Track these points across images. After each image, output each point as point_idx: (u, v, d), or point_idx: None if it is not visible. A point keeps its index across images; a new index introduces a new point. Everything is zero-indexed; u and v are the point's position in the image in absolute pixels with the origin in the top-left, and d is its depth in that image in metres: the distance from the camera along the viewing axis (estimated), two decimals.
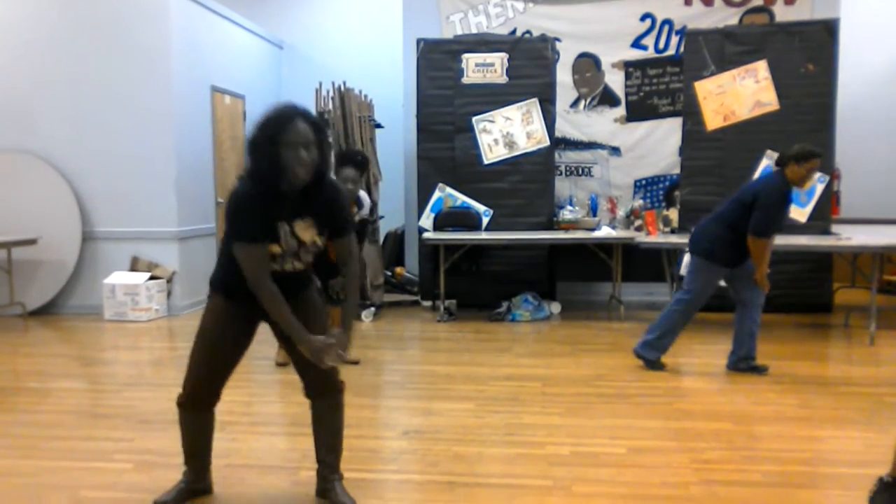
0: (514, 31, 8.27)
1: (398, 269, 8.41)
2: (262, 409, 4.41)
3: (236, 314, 2.93)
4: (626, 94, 8.29)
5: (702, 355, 5.70)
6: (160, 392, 4.84)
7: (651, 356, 5.25)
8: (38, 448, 3.82)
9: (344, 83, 7.71)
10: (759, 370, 5.12)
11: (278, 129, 2.65)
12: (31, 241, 7.33)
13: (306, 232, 2.85)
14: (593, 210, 7.99)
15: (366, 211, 5.68)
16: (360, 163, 5.51)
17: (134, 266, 7.57)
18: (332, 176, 3.01)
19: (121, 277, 7.36)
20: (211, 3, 8.13)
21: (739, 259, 5.01)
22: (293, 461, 3.54)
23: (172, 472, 3.27)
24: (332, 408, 3.09)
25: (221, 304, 2.94)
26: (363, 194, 5.68)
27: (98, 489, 3.29)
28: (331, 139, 2.95)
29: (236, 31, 8.76)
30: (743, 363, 5.17)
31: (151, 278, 7.37)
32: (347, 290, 2.97)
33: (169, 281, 7.53)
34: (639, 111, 8.28)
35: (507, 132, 7.66)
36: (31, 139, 7.60)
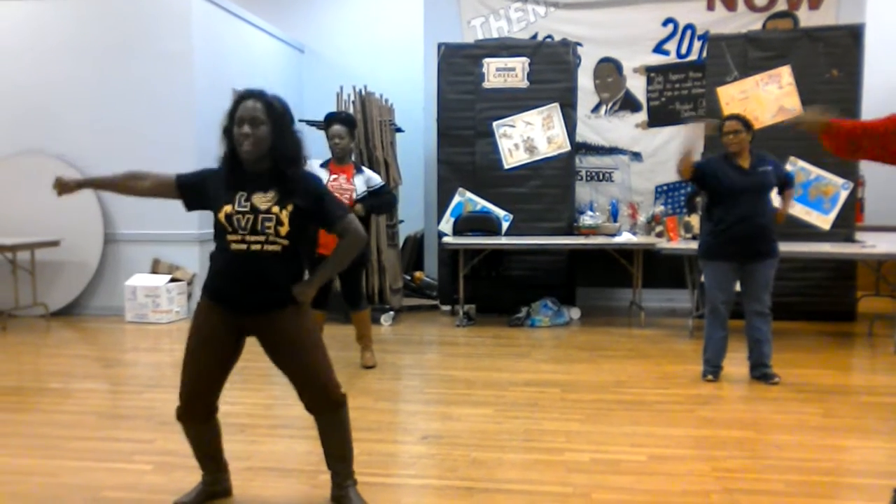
0: (535, 36, 8.26)
1: (417, 274, 8.41)
2: (282, 412, 4.42)
3: (217, 318, 2.93)
4: (648, 100, 8.25)
5: (723, 363, 5.65)
6: None
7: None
8: (60, 448, 3.85)
9: (365, 87, 7.72)
10: (768, 378, 5.06)
11: (232, 107, 2.91)
12: (54, 243, 7.40)
13: (264, 202, 2.87)
14: (614, 215, 7.96)
15: (372, 182, 5.47)
16: (346, 119, 5.54)
17: (155, 268, 7.62)
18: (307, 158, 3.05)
19: (142, 279, 7.41)
20: (233, 7, 8.18)
21: (708, 248, 5.06)
22: (312, 464, 3.54)
23: (192, 473, 3.28)
24: (333, 423, 3.04)
25: (203, 305, 2.99)
26: (368, 171, 5.59)
27: (119, 490, 3.31)
28: (293, 117, 3.00)
29: (258, 34, 8.80)
30: (755, 371, 5.14)
31: (172, 280, 7.42)
32: (335, 251, 2.97)
33: (189, 283, 7.57)
34: (660, 116, 8.24)
35: (527, 137, 7.64)
36: (54, 141, 7.67)
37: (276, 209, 2.85)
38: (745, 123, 5.00)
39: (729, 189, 4.92)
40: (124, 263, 7.68)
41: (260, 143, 2.85)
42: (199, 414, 3.03)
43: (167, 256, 7.63)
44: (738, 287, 5.09)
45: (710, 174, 5.02)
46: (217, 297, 2.95)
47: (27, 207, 7.61)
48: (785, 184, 5.16)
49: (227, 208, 2.86)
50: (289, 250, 2.90)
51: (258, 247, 2.85)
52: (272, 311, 2.91)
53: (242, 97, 2.90)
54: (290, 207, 2.86)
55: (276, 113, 2.89)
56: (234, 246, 2.86)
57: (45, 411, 4.51)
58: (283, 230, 2.85)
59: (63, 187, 3.01)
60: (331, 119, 5.51)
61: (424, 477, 3.51)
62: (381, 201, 5.52)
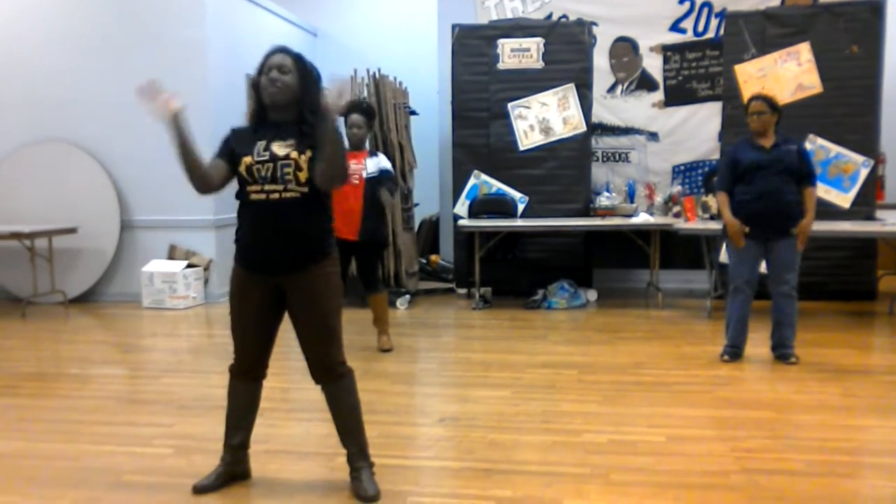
0: (549, 16, 8.19)
1: (433, 257, 8.40)
2: (300, 395, 4.44)
3: (253, 280, 2.98)
4: (665, 79, 8.17)
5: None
6: (198, 378, 4.89)
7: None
8: (81, 433, 3.88)
9: (379, 70, 7.69)
10: (785, 357, 5.02)
11: (262, 60, 3.05)
12: (72, 230, 7.45)
13: (282, 148, 2.92)
14: (631, 196, 7.91)
15: (382, 165, 5.50)
16: (366, 110, 5.56)
17: (171, 254, 7.65)
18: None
19: (159, 265, 7.44)
20: None
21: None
22: (330, 447, 3.55)
23: (211, 457, 3.30)
24: (337, 392, 3.08)
25: (236, 270, 3.04)
26: (382, 156, 5.63)
27: (139, 473, 3.34)
28: (318, 73, 3.09)
29: (271, 18, 8.78)
30: (776, 351, 5.11)
31: (189, 266, 7.45)
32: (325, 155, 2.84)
33: (206, 269, 7.60)
34: (677, 95, 8.16)
35: (543, 118, 7.59)
36: (71, 130, 7.70)
37: (294, 154, 2.90)
38: (771, 104, 4.94)
39: (748, 167, 4.88)
40: (141, 250, 7.72)
41: (286, 89, 2.95)
42: (245, 371, 3.12)
43: (184, 242, 7.65)
44: (763, 268, 5.05)
45: (734, 162, 4.99)
46: (248, 265, 2.99)
47: (45, 195, 7.66)
48: (804, 177, 4.92)
49: (247, 160, 2.93)
50: (310, 199, 2.92)
51: (276, 195, 2.89)
52: (304, 268, 2.93)
53: (271, 52, 3.05)
54: (308, 153, 2.91)
55: (302, 65, 3.02)
56: (253, 196, 2.92)
57: (65, 397, 4.55)
58: (303, 176, 2.89)
59: (159, 105, 2.97)
60: (351, 108, 5.51)
61: (442, 459, 3.51)
62: (388, 184, 5.53)
